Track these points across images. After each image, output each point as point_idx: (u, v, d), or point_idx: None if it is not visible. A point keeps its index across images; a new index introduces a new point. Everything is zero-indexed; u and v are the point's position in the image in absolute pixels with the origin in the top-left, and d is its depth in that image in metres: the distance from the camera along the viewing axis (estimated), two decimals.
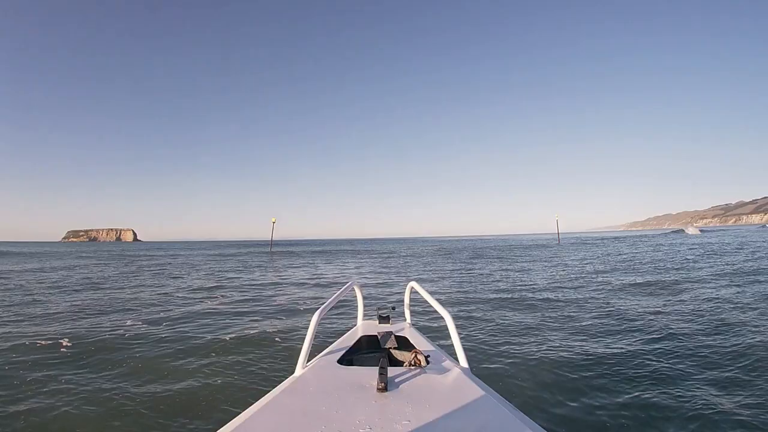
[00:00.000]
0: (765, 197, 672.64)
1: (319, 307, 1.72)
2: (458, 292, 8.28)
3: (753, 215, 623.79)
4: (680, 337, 4.41)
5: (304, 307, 6.27)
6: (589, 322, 5.24)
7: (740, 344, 4.08)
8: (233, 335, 4.75)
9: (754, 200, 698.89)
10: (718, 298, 6.57)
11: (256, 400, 1.21)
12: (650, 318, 5.37)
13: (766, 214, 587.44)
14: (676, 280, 9.13)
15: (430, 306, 1.85)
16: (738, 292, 7.11)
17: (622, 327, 4.99)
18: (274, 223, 28.69)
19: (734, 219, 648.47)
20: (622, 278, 9.76)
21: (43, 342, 4.52)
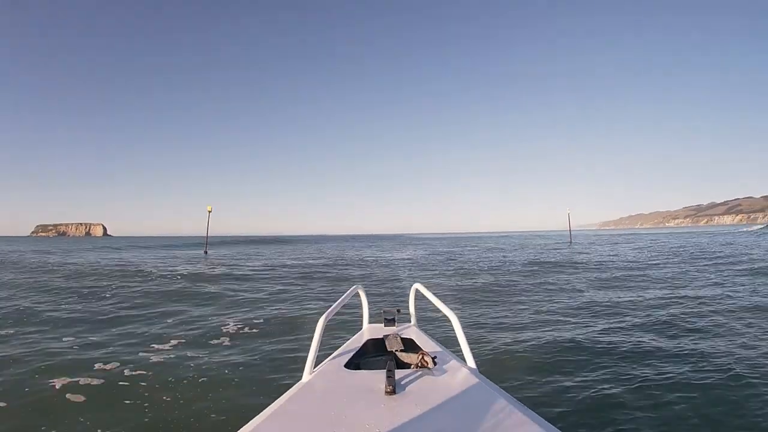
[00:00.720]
0: (736, 198, 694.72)
1: (323, 313, 1.70)
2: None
3: (725, 216, 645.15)
4: None
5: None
6: None
7: None
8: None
9: (725, 201, 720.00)
10: None
11: (264, 408, 1.20)
12: None
13: (737, 215, 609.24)
14: None
15: (436, 307, 1.84)
16: None
17: None
18: (210, 212, 21.02)
19: (706, 219, 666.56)
20: None
21: None
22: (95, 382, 3.32)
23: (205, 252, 20.89)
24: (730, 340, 4.26)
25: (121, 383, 3.30)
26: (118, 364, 3.73)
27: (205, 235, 21.78)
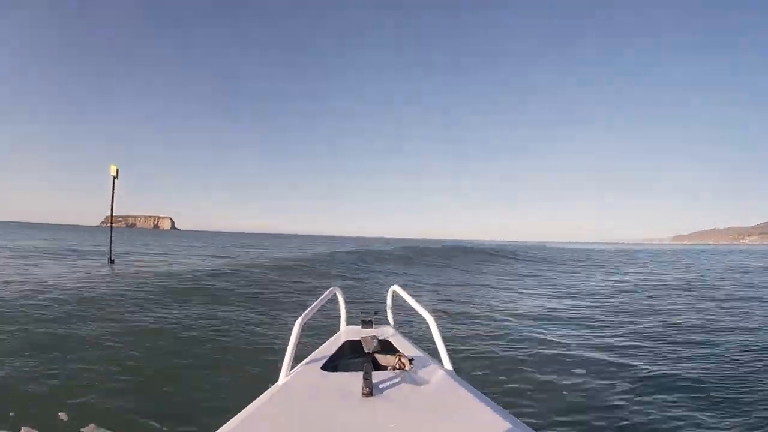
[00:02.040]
0: None
1: (300, 314, 1.69)
2: None
3: None
4: None
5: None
6: None
7: None
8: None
9: None
10: None
11: (240, 410, 1.20)
12: None
13: None
14: None
15: (413, 309, 1.84)
16: None
17: None
18: (115, 178, 11.19)
19: None
20: None
21: None
22: None
23: (111, 260, 11.23)
24: None
25: None
26: None
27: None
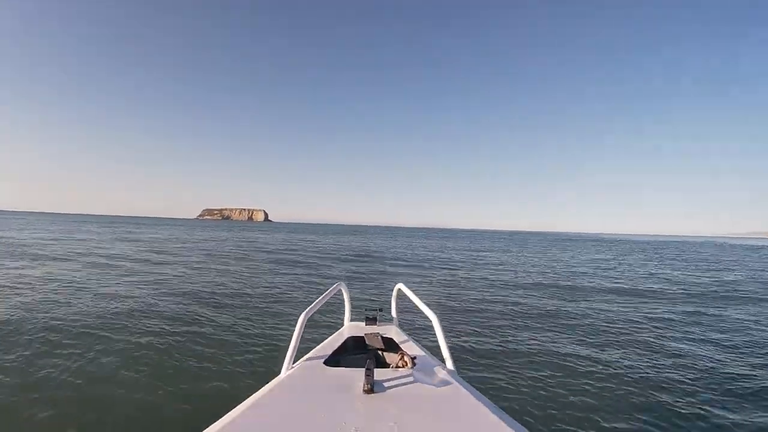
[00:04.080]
0: None
1: (305, 309, 1.72)
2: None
3: None
4: None
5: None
6: None
7: None
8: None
9: None
10: None
11: (241, 402, 1.21)
12: None
13: None
14: None
15: (417, 307, 1.85)
16: None
17: None
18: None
19: None
20: None
21: None
22: None
23: None
24: None
25: None
26: None
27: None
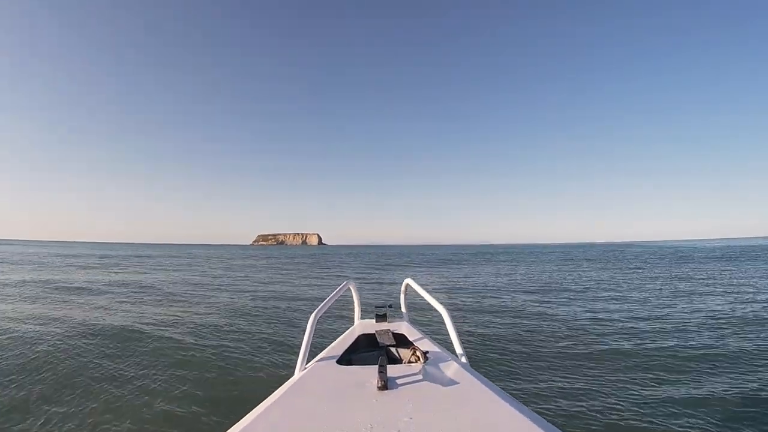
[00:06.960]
0: None
1: (315, 309, 1.72)
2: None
3: None
4: None
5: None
6: None
7: None
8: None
9: None
10: None
11: (257, 404, 1.21)
12: None
13: None
14: None
15: (427, 302, 1.83)
16: None
17: None
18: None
19: None
20: None
21: None
22: None
23: None
24: None
25: None
26: None
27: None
